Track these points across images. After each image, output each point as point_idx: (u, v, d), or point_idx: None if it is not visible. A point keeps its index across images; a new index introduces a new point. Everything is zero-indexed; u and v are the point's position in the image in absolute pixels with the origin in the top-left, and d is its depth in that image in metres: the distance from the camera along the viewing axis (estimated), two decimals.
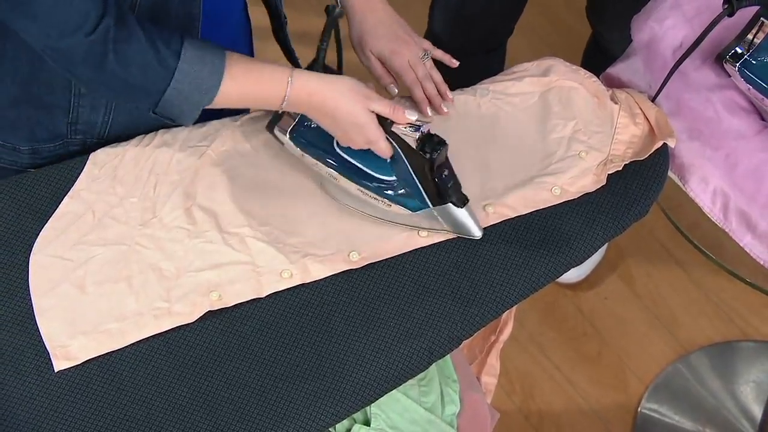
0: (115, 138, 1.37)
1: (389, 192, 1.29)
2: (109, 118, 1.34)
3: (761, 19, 1.37)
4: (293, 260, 1.29)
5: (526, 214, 1.34)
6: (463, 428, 1.48)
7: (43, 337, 1.24)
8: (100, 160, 1.36)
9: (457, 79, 1.53)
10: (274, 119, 1.32)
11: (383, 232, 1.32)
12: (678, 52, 1.43)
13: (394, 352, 1.24)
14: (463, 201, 1.27)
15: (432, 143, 1.23)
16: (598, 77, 1.47)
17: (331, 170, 1.30)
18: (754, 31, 1.37)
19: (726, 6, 1.35)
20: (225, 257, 1.29)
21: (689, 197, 1.43)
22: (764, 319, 2.27)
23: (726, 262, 1.46)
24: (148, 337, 1.24)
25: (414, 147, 1.25)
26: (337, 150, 1.30)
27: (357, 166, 1.29)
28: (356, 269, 1.29)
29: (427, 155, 1.23)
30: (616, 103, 1.43)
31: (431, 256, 1.31)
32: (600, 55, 2.07)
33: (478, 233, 1.30)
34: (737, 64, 1.38)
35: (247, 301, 1.27)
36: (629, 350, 2.23)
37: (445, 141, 1.23)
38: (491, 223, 1.33)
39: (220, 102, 1.22)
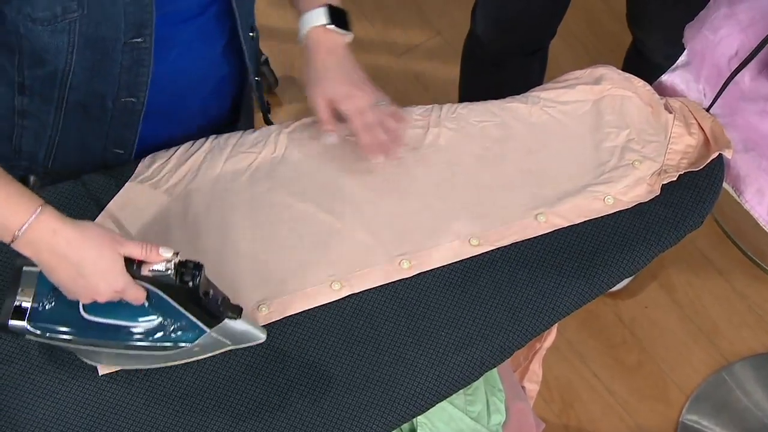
0: (61, 167, 1.35)
1: (159, 334, 1.19)
2: (52, 152, 1.34)
3: None
4: (342, 273, 1.28)
5: (578, 224, 1.33)
6: None
7: None
8: (148, 162, 1.37)
9: (498, 82, 1.51)
10: (4, 314, 1.16)
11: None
12: (733, 61, 1.41)
13: (446, 362, 1.23)
14: (237, 312, 1.19)
15: (189, 270, 1.12)
16: None
17: (88, 340, 1.19)
18: None
19: None
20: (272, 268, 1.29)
21: (731, 205, 1.41)
22: None
23: None
24: None
25: (172, 279, 1.12)
26: (87, 317, 1.17)
27: (114, 324, 1.18)
28: (406, 279, 1.28)
29: (189, 284, 1.12)
30: (670, 112, 1.41)
31: (481, 265, 1.30)
32: (641, 61, 2.06)
33: (262, 336, 1.22)
34: None
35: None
36: (670, 360, 2.21)
37: (200, 263, 1.13)
38: (543, 233, 1.32)
39: None
